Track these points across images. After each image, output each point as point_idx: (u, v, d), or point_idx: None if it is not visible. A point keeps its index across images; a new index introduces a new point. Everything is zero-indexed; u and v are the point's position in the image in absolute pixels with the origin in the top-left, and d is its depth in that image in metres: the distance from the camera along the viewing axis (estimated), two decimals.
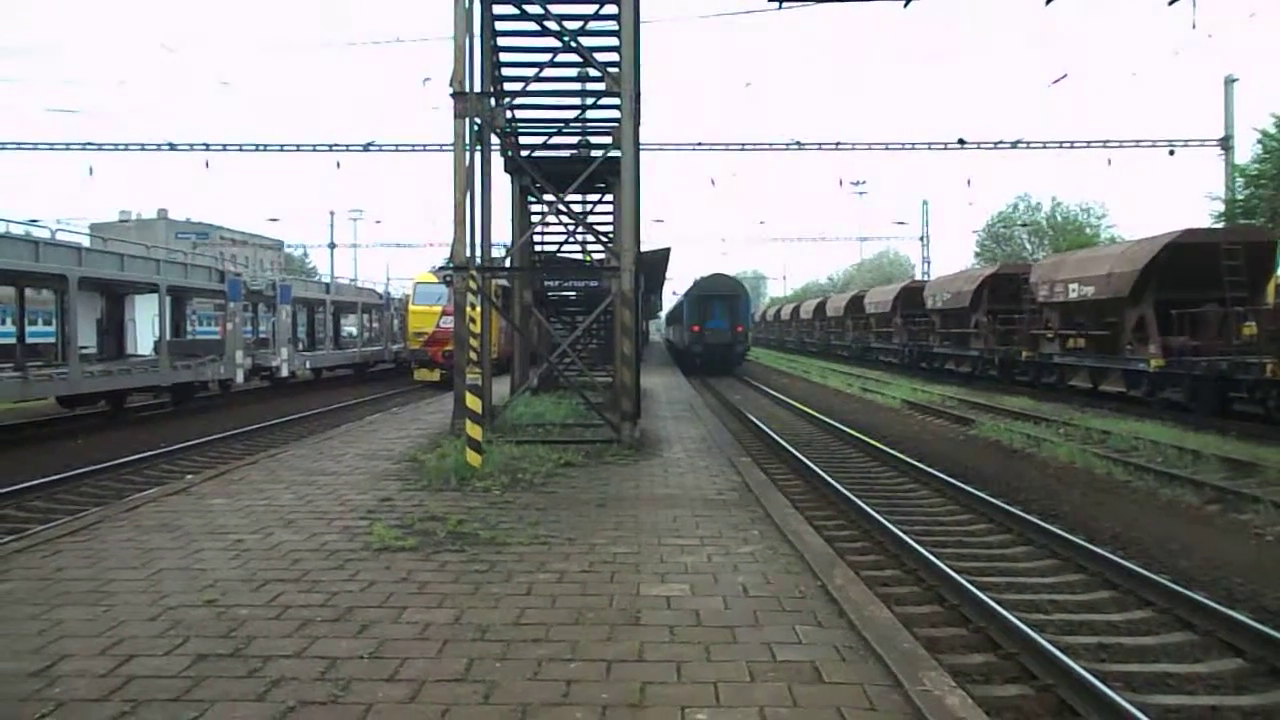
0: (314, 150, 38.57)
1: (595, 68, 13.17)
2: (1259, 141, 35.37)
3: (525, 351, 18.22)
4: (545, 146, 16.31)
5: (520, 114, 15.52)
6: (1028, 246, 61.24)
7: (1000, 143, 37.51)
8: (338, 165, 45.60)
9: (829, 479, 12.07)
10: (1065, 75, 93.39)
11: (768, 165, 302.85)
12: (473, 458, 10.01)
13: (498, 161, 15.27)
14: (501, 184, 16.42)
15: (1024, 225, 62.51)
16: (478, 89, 13.05)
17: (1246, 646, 6.11)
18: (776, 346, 72.50)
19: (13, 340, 21.46)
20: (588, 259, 21.27)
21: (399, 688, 4.31)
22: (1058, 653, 5.71)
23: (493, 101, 13.62)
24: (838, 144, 38.70)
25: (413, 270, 64.56)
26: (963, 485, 11.64)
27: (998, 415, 20.23)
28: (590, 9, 13.51)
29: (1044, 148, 37.89)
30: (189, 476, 11.45)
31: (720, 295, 39.34)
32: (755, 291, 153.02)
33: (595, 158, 14.49)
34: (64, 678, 4.41)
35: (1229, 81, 35.30)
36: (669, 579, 6.14)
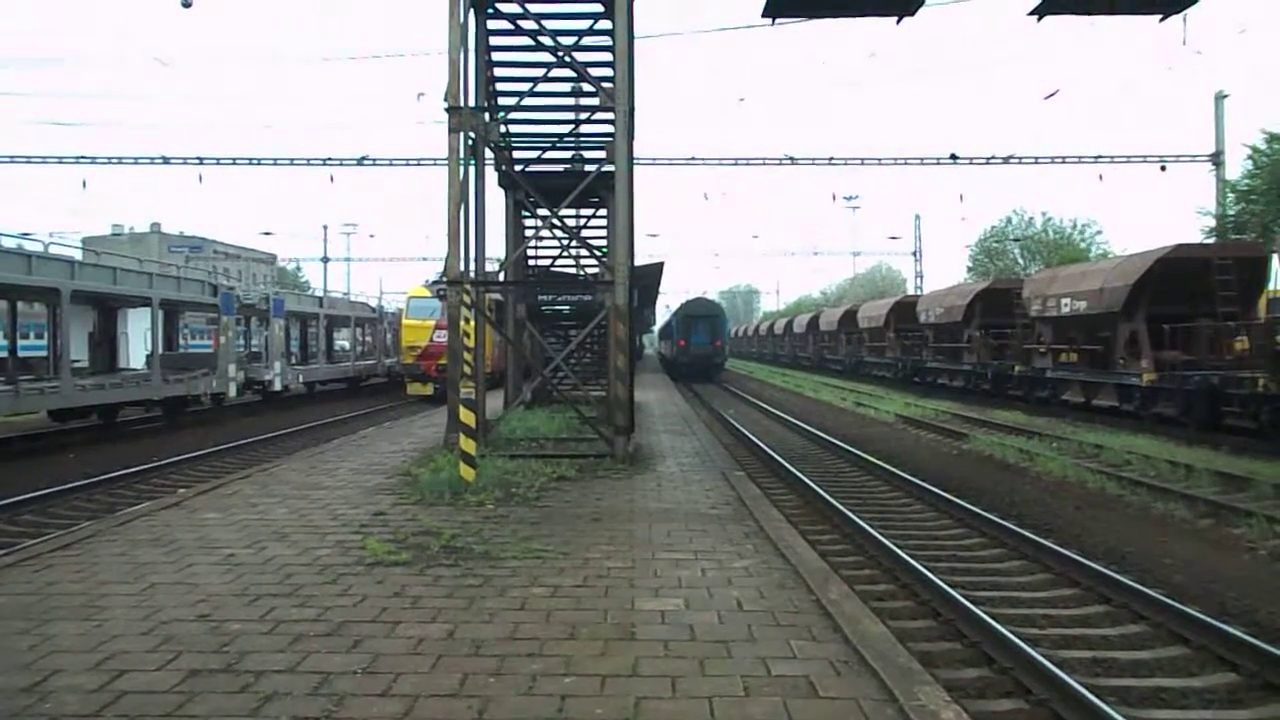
0: (308, 164, 38.69)
1: (589, 83, 13.23)
2: (1249, 157, 35.69)
3: (519, 365, 18.21)
4: (539, 161, 16.36)
5: (514, 129, 15.57)
6: (1020, 261, 61.52)
7: (992, 158, 37.74)
8: (331, 179, 45.96)
9: (823, 493, 12.07)
10: (1057, 91, 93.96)
11: (761, 180, 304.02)
12: (466, 472, 9.98)
13: (492, 176, 15.32)
14: (496, 198, 16.47)
15: (1016, 240, 62.80)
16: (472, 104, 13.09)
17: (1240, 661, 6.11)
18: (770, 361, 72.52)
19: (4, 354, 21.38)
20: (581, 273, 21.30)
21: (392, 703, 4.29)
22: (1052, 667, 5.71)
23: (487, 116, 13.65)
24: (831, 159, 39.03)
25: (406, 284, 64.59)
26: (956, 499, 11.64)
27: (991, 429, 20.26)
28: (584, 24, 13.58)
29: (1036, 163, 38.11)
30: (181, 490, 11.40)
31: (702, 315, 47.33)
32: (748, 306, 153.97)
33: (589, 172, 14.53)
34: (55, 693, 4.37)
35: (1219, 97, 35.57)
36: (663, 593, 6.13)
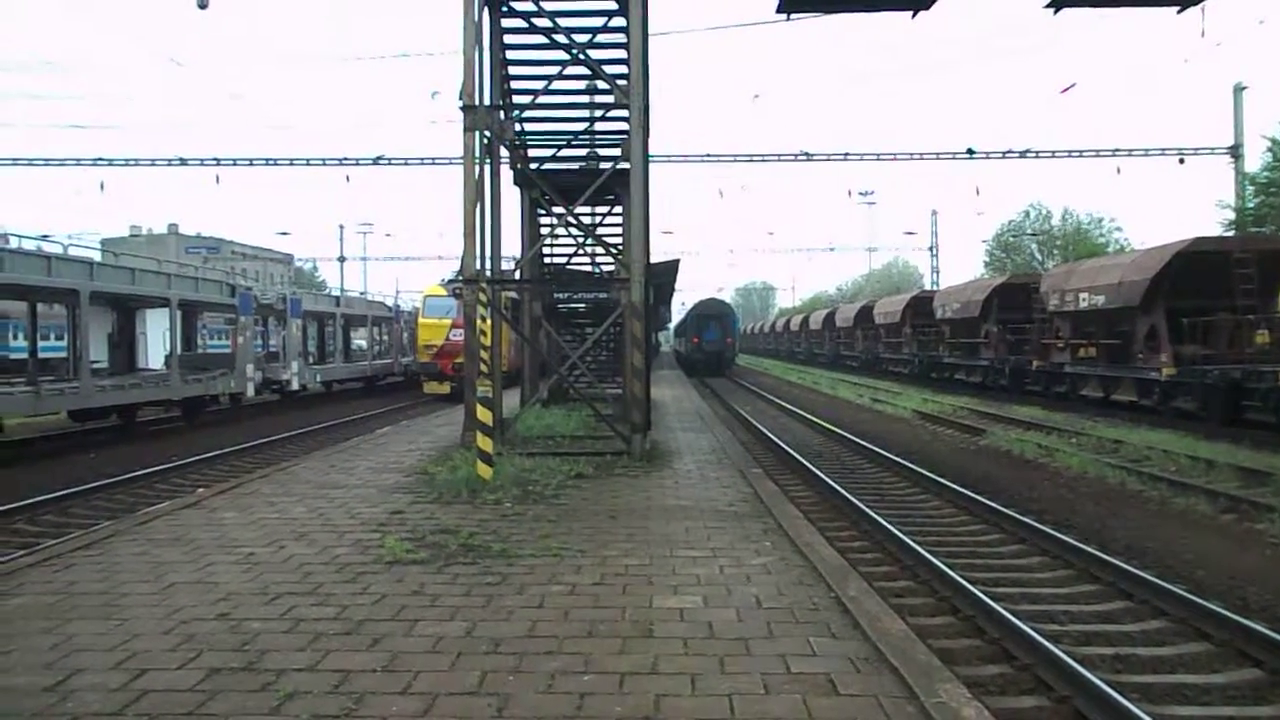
0: (324, 164, 38.94)
1: (604, 80, 13.20)
2: (1269, 149, 35.37)
3: (535, 364, 18.22)
4: (554, 159, 16.35)
5: (529, 127, 15.58)
6: (1037, 256, 61.13)
7: (1009, 152, 37.53)
8: (347, 179, 45.97)
9: (840, 490, 12.03)
10: (1074, 84, 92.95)
11: (777, 176, 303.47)
12: (483, 470, 10.00)
13: (507, 174, 15.33)
14: (511, 197, 16.48)
15: (1034, 235, 62.38)
16: (487, 102, 13.09)
17: (1264, 657, 6.06)
18: (786, 358, 72.36)
19: (25, 355, 21.55)
20: (597, 271, 21.30)
21: (412, 701, 4.30)
22: (1074, 664, 5.67)
23: (502, 114, 13.65)
24: (846, 154, 38.96)
25: (422, 283, 64.85)
26: (975, 495, 11.58)
27: (1009, 425, 20.14)
28: (598, 21, 13.55)
29: (1053, 157, 37.92)
30: (200, 490, 11.46)
31: (714, 315, 51.41)
32: (764, 302, 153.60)
33: (604, 170, 14.51)
34: (77, 692, 4.40)
35: (1238, 89, 35.24)
36: (682, 591, 6.11)
